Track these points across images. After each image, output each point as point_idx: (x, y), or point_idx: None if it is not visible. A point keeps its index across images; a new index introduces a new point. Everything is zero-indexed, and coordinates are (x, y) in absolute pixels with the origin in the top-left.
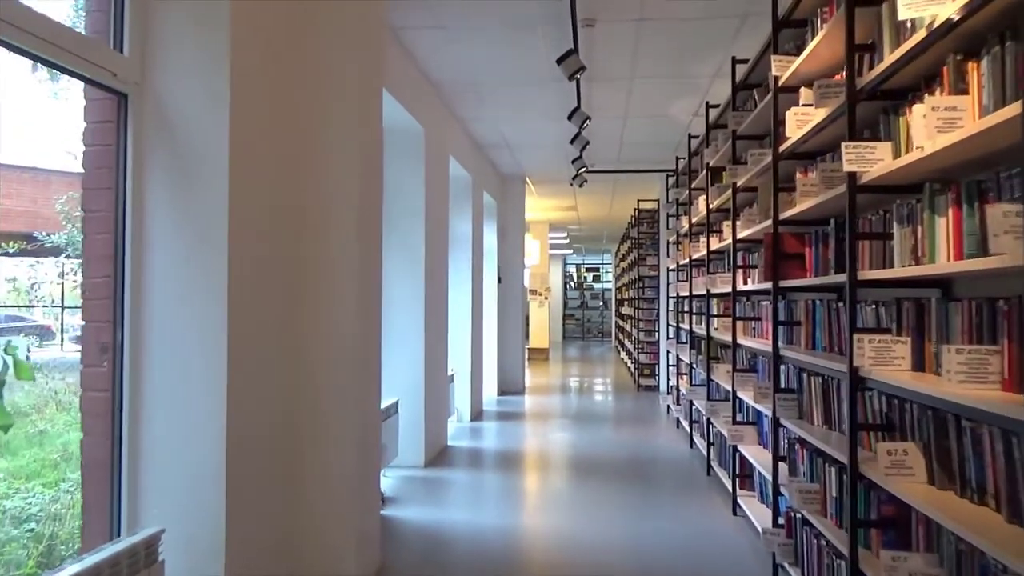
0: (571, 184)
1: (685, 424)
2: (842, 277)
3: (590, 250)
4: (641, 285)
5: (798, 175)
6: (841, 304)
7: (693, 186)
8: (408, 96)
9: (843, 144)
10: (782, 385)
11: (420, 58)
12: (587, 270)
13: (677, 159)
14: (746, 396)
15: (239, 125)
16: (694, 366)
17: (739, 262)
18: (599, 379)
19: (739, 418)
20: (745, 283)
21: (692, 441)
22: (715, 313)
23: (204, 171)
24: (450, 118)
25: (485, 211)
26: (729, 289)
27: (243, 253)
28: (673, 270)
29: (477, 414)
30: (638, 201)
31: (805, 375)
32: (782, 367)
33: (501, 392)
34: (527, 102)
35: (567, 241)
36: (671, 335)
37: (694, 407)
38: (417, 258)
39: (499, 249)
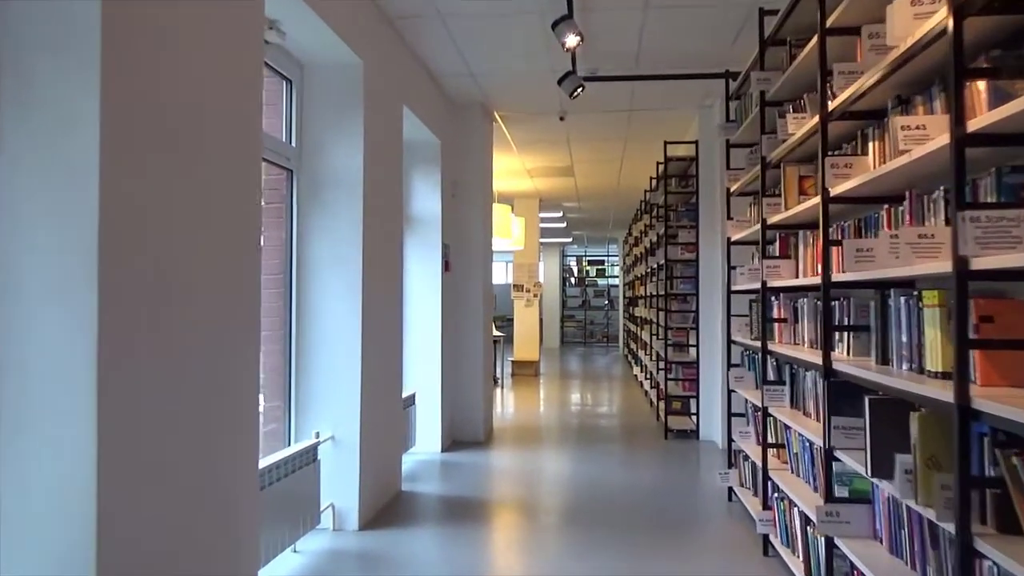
0: (559, 113)
1: (787, 559)
2: None
3: (593, 240)
4: (667, 275)
5: None
6: None
7: (835, 24)
8: None
9: None
10: None
11: None
12: (589, 263)
13: (761, 15)
14: None
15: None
16: (836, 455)
17: None
18: (605, 411)
19: None
20: None
21: None
22: (976, 338)
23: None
24: None
25: (414, 151)
26: None
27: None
28: (744, 242)
29: (381, 509)
30: (665, 145)
31: None
32: None
33: (450, 445)
34: None
35: (564, 226)
36: (736, 361)
37: (819, 543)
38: (80, 184)
39: (445, 217)
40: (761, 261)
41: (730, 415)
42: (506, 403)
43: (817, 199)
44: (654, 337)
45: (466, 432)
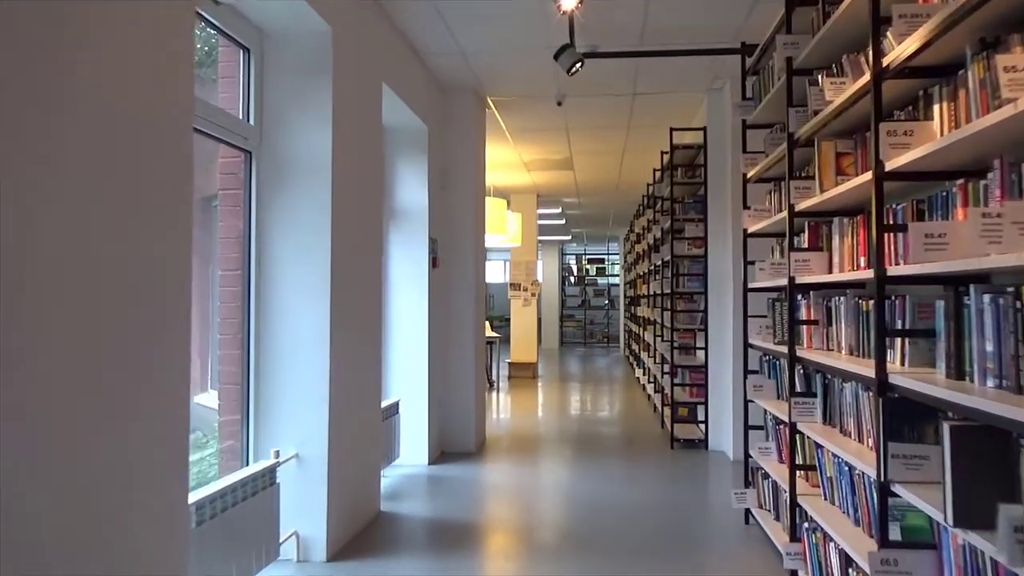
0: (557, 97)
1: None
2: None
3: (593, 237)
4: (673, 272)
5: None
6: None
7: None
8: None
9: None
10: None
11: None
12: (589, 261)
13: None
14: None
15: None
16: (894, 489)
17: None
18: (606, 416)
19: None
20: None
21: None
22: None
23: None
24: None
25: (398, 136)
26: None
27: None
28: (764, 234)
29: (355, 536)
30: (671, 131)
31: None
32: None
33: (439, 457)
34: None
35: (563, 223)
36: (754, 367)
37: None
38: None
39: (433, 210)
40: (788, 254)
41: (747, 428)
42: (501, 408)
43: (865, 176)
44: (658, 339)
45: (456, 442)
